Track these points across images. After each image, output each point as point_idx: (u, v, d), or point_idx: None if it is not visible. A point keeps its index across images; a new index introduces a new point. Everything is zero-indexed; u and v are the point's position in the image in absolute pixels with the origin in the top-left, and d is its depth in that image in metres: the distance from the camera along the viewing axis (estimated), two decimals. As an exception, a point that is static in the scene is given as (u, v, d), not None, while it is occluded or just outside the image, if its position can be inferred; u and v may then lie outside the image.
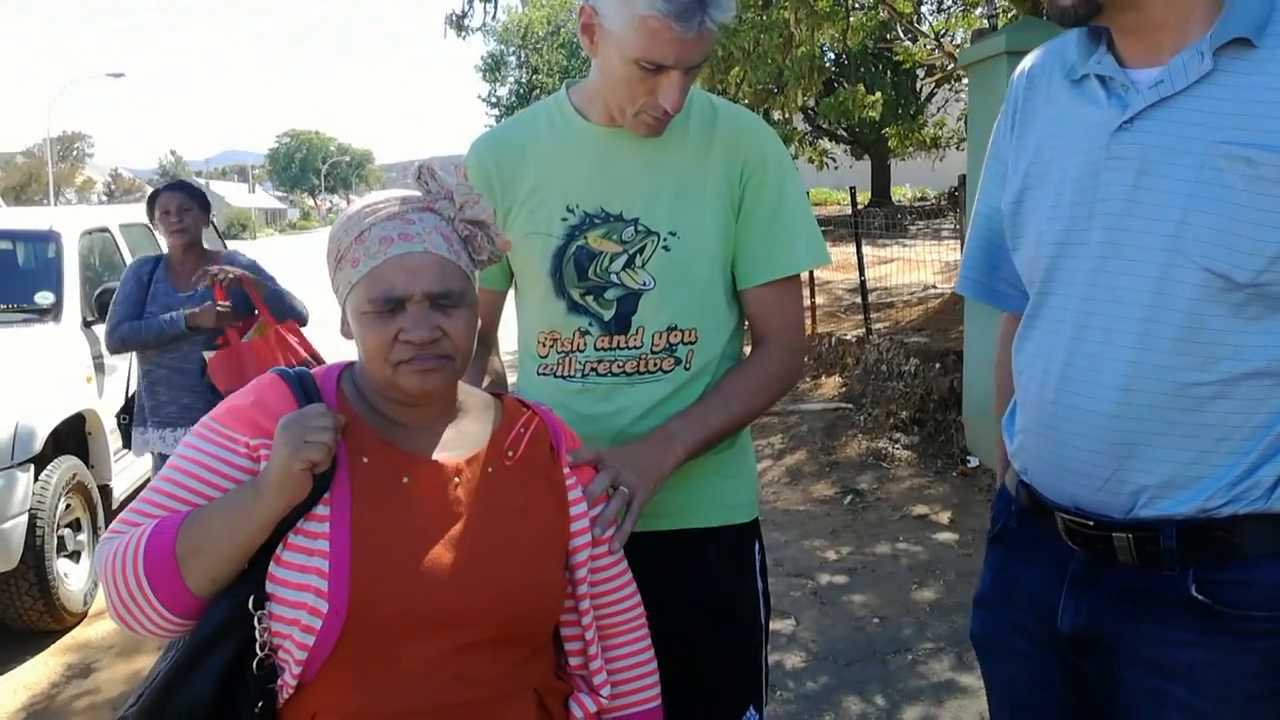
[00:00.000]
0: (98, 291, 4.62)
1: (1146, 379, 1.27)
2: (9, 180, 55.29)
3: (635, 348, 1.68)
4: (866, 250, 8.97)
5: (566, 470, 1.43)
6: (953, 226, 13.51)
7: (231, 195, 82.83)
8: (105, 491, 4.73)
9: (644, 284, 1.67)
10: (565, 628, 1.43)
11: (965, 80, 7.13)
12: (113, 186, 64.10)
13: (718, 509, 1.74)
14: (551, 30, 36.00)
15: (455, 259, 1.30)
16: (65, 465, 4.22)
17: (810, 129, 21.76)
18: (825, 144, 22.17)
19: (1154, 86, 1.26)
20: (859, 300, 8.61)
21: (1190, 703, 1.29)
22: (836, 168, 20.82)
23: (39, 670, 3.89)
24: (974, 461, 5.76)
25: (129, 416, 4.03)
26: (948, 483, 5.62)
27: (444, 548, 1.28)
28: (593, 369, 1.70)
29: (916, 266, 9.78)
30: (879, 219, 11.32)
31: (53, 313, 4.72)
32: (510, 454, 1.38)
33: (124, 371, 4.67)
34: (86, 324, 4.77)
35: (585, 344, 1.69)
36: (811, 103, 16.06)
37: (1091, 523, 1.35)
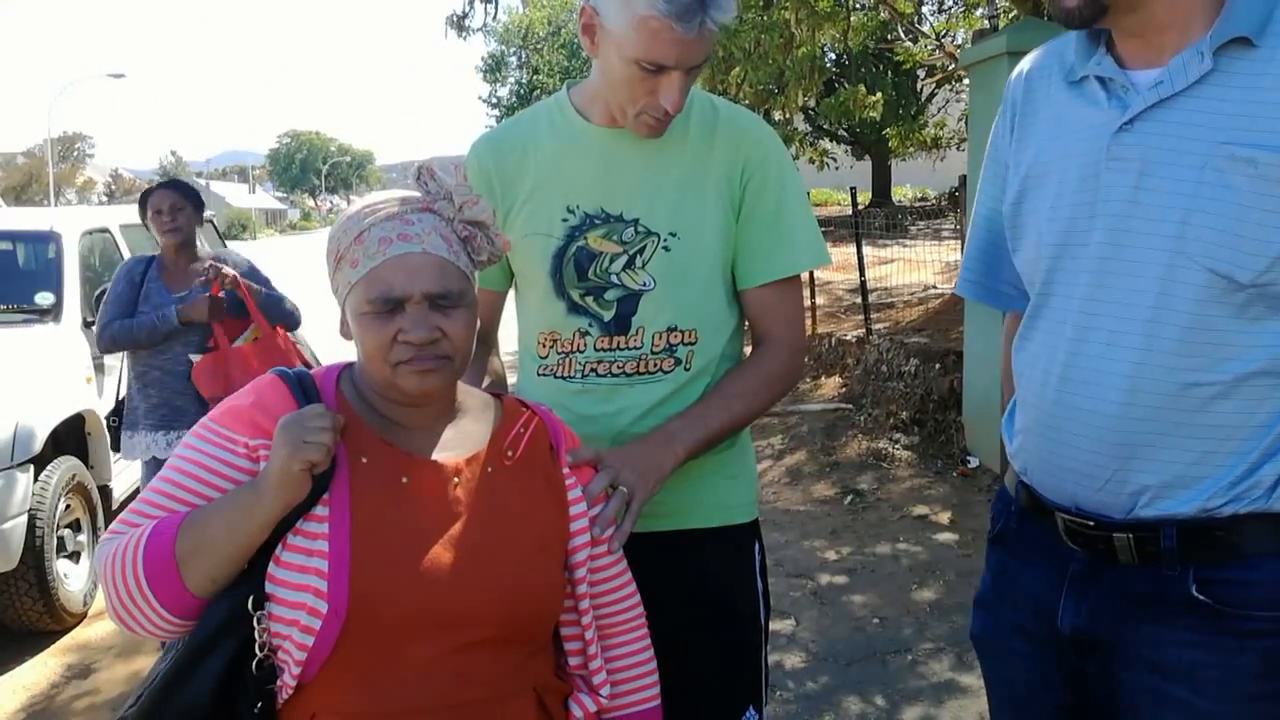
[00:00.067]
0: (98, 292, 4.61)
1: (1150, 380, 1.27)
2: (9, 180, 55.32)
3: (635, 348, 1.68)
4: (867, 250, 8.97)
5: (566, 470, 1.43)
6: (953, 227, 13.50)
7: (232, 196, 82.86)
8: (105, 492, 4.73)
9: (644, 284, 1.67)
10: (565, 627, 1.43)
11: (966, 81, 7.14)
12: (113, 187, 64.10)
13: (717, 509, 1.74)
14: (552, 31, 36.00)
15: (454, 259, 1.30)
16: (65, 466, 4.22)
17: (811, 129, 21.75)
18: (826, 144, 22.16)
19: (1154, 87, 1.26)
20: (859, 300, 8.61)
21: (1191, 702, 1.29)
22: (837, 168, 20.81)
23: (38, 671, 3.89)
24: (974, 462, 5.76)
25: (119, 419, 3.96)
26: (948, 483, 5.62)
27: (443, 548, 1.28)
28: (593, 369, 1.69)
29: (917, 267, 9.78)
30: (879, 219, 11.32)
31: (53, 313, 4.72)
32: (510, 454, 1.38)
33: (121, 372, 4.67)
34: (86, 324, 4.77)
35: (585, 344, 1.69)
36: (812, 103, 16.05)
37: (1092, 523, 1.34)
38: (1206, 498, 1.27)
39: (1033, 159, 1.41)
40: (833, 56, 17.08)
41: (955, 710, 3.30)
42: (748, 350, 1.78)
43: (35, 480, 4.01)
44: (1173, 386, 1.26)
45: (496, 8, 14.02)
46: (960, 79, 12.89)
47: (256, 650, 1.24)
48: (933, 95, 21.15)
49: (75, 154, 69.29)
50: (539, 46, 36.65)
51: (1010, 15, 9.50)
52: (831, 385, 7.88)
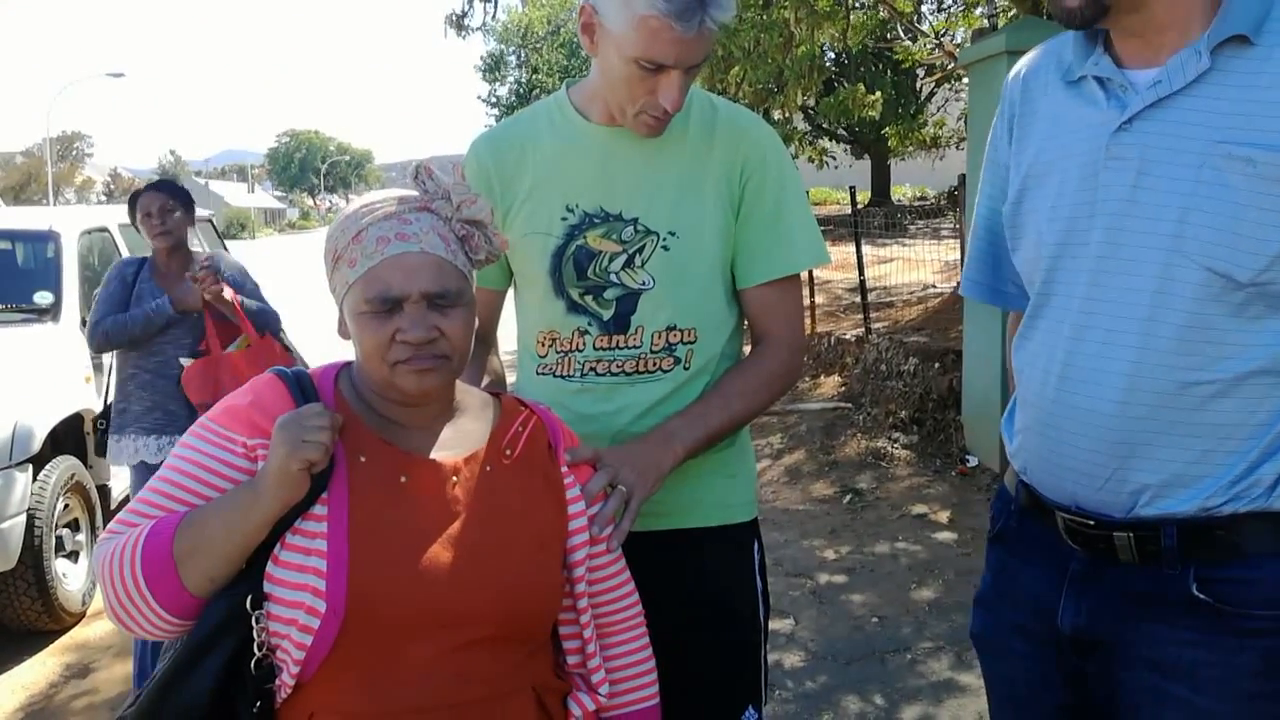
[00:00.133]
0: (96, 291, 4.60)
1: (1148, 379, 1.27)
2: (8, 180, 55.31)
3: (634, 347, 1.68)
4: (866, 250, 8.97)
5: (565, 469, 1.42)
6: (952, 226, 13.51)
7: (231, 195, 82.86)
8: (104, 491, 4.73)
9: (643, 284, 1.67)
10: (564, 626, 1.43)
11: (965, 80, 7.13)
12: (112, 186, 64.10)
13: (716, 508, 1.74)
14: (551, 30, 36.00)
15: (452, 259, 1.30)
16: (64, 465, 4.22)
17: (810, 128, 21.75)
18: (825, 143, 22.15)
19: (1152, 87, 1.26)
20: (858, 300, 8.62)
21: (1191, 701, 1.29)
22: (836, 167, 20.81)
23: (37, 670, 3.89)
24: (973, 461, 5.76)
25: (107, 423, 3.81)
26: (947, 482, 5.62)
27: (442, 547, 1.28)
28: (592, 369, 1.69)
29: (916, 266, 9.79)
30: (879, 218, 11.34)
31: (51, 312, 4.72)
32: (508, 453, 1.38)
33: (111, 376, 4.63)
34: (85, 324, 4.76)
35: (584, 344, 1.69)
36: (811, 102, 16.05)
37: (1092, 522, 1.34)
38: (1206, 496, 1.27)
39: (1032, 159, 1.41)
40: (832, 55, 17.09)
41: (954, 709, 3.30)
42: (747, 349, 1.78)
43: (34, 479, 4.01)
44: (1171, 385, 1.26)
45: (496, 7, 14.02)
46: (960, 78, 12.89)
47: (255, 649, 1.23)
48: (932, 94, 21.15)
49: (74, 153, 69.27)
50: (538, 46, 36.65)
51: (1009, 14, 9.50)
52: (830, 384, 7.88)
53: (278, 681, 1.26)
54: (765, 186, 1.69)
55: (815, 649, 3.75)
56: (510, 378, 1.91)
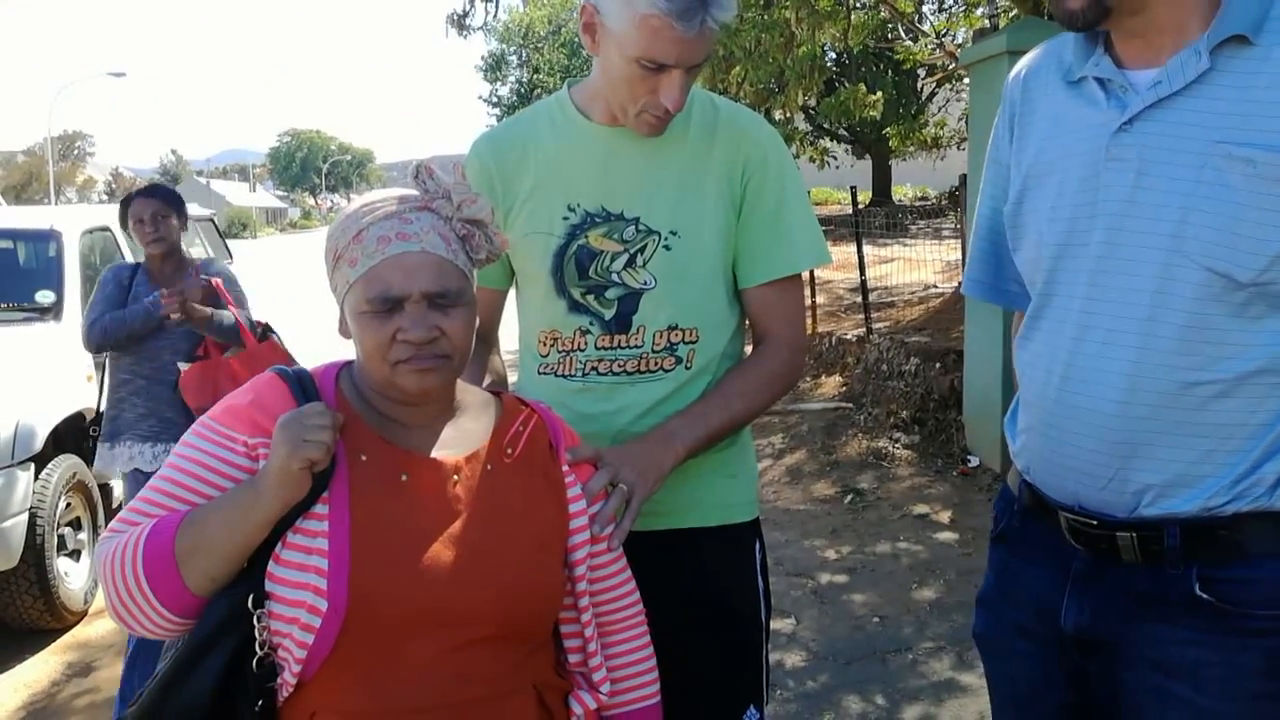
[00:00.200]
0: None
1: (1149, 379, 1.27)
2: (10, 179, 55.33)
3: (636, 347, 1.68)
4: (867, 250, 8.97)
5: (565, 468, 1.43)
6: (953, 226, 13.50)
7: (232, 194, 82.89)
8: (105, 490, 4.74)
9: (645, 283, 1.67)
10: (564, 625, 1.43)
11: (966, 80, 7.13)
12: (114, 185, 64.07)
13: (717, 508, 1.74)
14: (553, 30, 35.98)
15: (453, 258, 1.30)
16: (65, 464, 4.22)
17: (811, 128, 21.74)
18: (826, 143, 22.13)
19: (1152, 87, 1.26)
20: (860, 300, 8.61)
21: (1194, 701, 1.29)
22: (837, 167, 20.79)
23: (39, 669, 3.89)
24: (974, 461, 5.76)
25: (99, 429, 3.75)
26: (948, 482, 5.62)
27: (443, 545, 1.28)
28: (593, 368, 1.69)
29: (917, 266, 9.78)
30: (880, 218, 11.32)
31: (53, 311, 4.72)
32: (509, 452, 1.38)
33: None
34: (88, 325, 4.77)
35: (586, 343, 1.69)
36: (812, 102, 16.04)
37: (1095, 522, 1.34)
38: (1208, 496, 1.27)
39: (1032, 159, 1.41)
40: (833, 56, 17.07)
41: (955, 709, 3.30)
42: (748, 349, 1.78)
43: (36, 478, 4.01)
44: (1172, 385, 1.26)
45: (497, 7, 14.02)
46: (961, 78, 12.88)
47: (256, 649, 1.24)
48: (933, 94, 21.14)
49: (76, 152, 69.30)
50: (539, 45, 36.64)
51: (1010, 15, 9.49)
52: (832, 384, 7.88)
53: (279, 680, 1.26)
54: (766, 186, 1.70)
55: (816, 649, 3.75)
56: (512, 377, 1.91)
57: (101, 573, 1.25)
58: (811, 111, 19.25)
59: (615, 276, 1.67)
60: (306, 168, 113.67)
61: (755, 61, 11.05)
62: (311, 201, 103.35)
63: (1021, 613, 1.48)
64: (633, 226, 1.66)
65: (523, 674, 1.33)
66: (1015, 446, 1.49)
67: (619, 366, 1.69)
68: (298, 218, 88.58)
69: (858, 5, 12.32)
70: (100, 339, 3.52)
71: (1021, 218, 1.43)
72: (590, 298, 1.69)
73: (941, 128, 19.17)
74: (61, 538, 4.23)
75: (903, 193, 27.88)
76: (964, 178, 6.57)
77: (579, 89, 1.74)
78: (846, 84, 15.24)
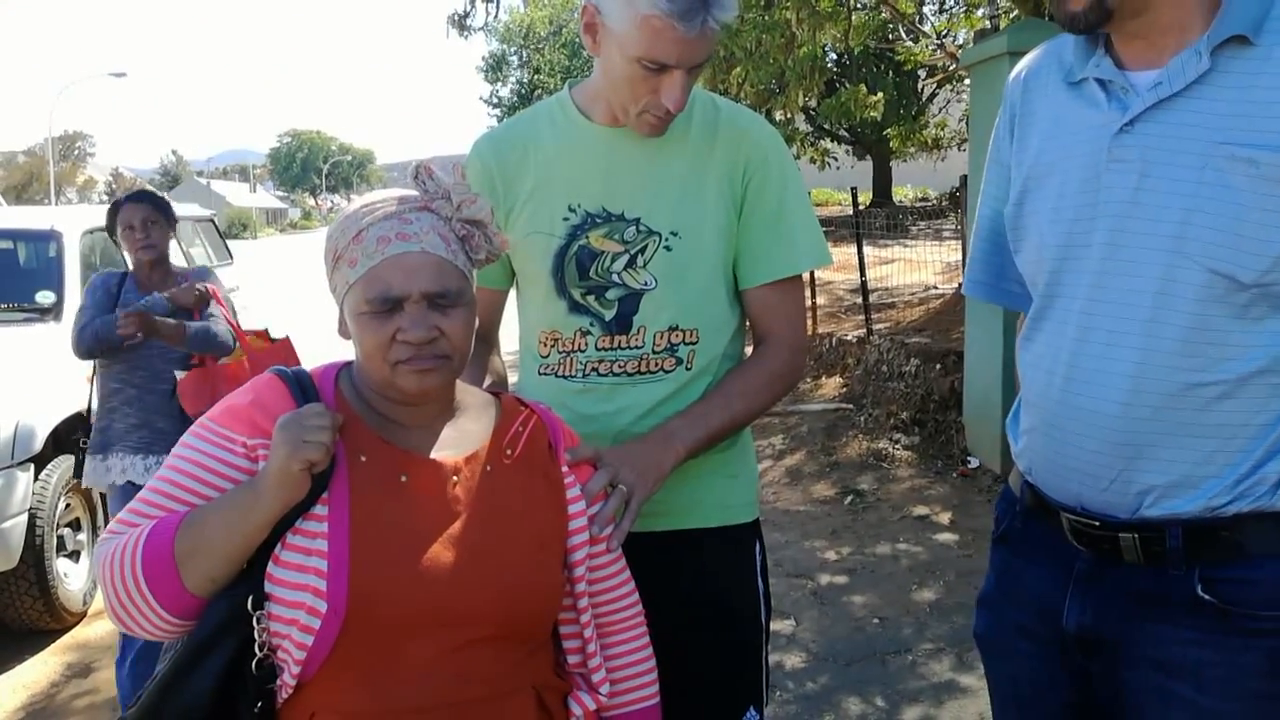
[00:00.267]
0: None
1: (1151, 380, 1.27)
2: (10, 179, 55.36)
3: (636, 348, 1.68)
4: (867, 250, 8.97)
5: (565, 469, 1.42)
6: (954, 227, 13.50)
7: (233, 195, 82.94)
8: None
9: (645, 284, 1.67)
10: (564, 625, 1.43)
11: (967, 81, 7.13)
12: (114, 186, 64.10)
13: (717, 509, 1.74)
14: (553, 30, 36.00)
15: (453, 259, 1.29)
16: (65, 465, 4.22)
17: (812, 129, 21.74)
18: (827, 144, 22.13)
19: (1153, 88, 1.26)
20: (860, 300, 8.61)
21: (1196, 701, 1.29)
22: (838, 168, 20.79)
23: (38, 669, 3.89)
24: (974, 462, 5.76)
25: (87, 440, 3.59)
26: (948, 483, 5.62)
27: (442, 546, 1.28)
28: (594, 369, 1.69)
29: (918, 267, 9.78)
30: (880, 219, 11.32)
31: (53, 312, 4.72)
32: (509, 452, 1.38)
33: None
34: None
35: (586, 344, 1.69)
36: (813, 103, 16.03)
37: (1097, 523, 1.34)
38: (1211, 496, 1.27)
39: (1033, 160, 1.41)
40: (834, 56, 17.07)
41: (955, 710, 3.30)
42: (749, 350, 1.77)
43: (35, 479, 4.01)
44: (1175, 386, 1.26)
45: (498, 7, 14.04)
46: (961, 79, 12.88)
47: (256, 650, 1.23)
48: (934, 95, 21.14)
49: (76, 153, 69.37)
50: (540, 46, 36.66)
51: (1011, 15, 9.49)
52: (832, 385, 7.88)
53: (279, 681, 1.25)
54: (767, 187, 1.69)
55: (816, 650, 3.75)
56: (512, 378, 1.91)
57: (100, 574, 1.25)
58: (812, 112, 19.24)
59: (616, 277, 1.67)
60: (307, 168, 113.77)
61: (756, 62, 11.05)
62: (312, 202, 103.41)
63: (1023, 613, 1.47)
64: (633, 227, 1.66)
65: (522, 674, 1.33)
66: (1017, 447, 1.49)
67: (619, 367, 1.68)
68: (298, 218, 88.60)
69: (859, 6, 12.32)
70: (91, 344, 3.39)
71: (1022, 219, 1.43)
72: (591, 298, 1.68)
73: (942, 129, 19.17)
74: (61, 538, 4.23)
75: (903, 194, 27.88)
76: (964, 179, 6.57)
77: (580, 89, 1.74)
78: (847, 85, 15.24)
